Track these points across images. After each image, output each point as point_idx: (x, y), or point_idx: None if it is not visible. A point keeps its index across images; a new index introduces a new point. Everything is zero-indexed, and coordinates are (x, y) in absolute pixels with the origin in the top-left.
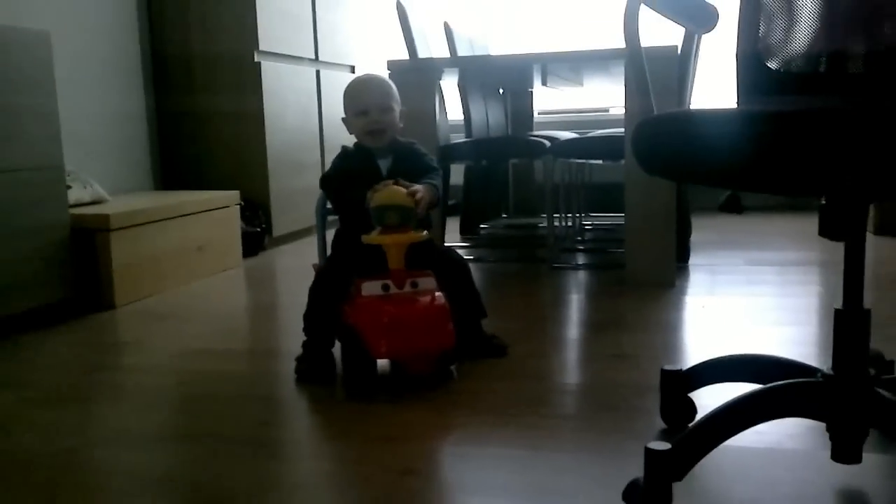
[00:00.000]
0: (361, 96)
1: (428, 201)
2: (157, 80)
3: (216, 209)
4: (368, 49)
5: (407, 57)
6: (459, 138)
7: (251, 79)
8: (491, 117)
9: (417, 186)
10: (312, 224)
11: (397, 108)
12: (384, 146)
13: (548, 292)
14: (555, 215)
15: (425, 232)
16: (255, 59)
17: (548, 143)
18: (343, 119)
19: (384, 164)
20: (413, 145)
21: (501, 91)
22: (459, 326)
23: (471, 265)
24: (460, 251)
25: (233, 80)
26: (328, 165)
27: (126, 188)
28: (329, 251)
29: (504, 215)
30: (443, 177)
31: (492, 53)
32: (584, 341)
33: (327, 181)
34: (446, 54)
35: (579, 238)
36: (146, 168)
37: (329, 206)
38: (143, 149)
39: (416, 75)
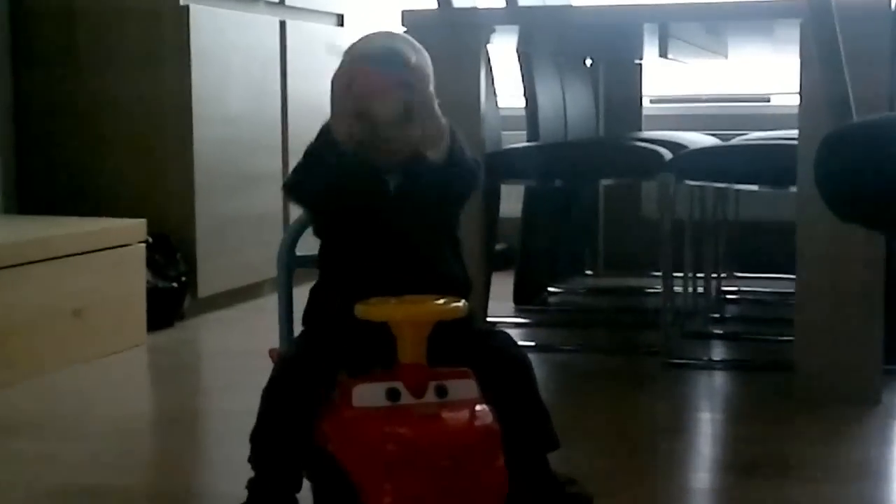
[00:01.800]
0: (362, 89)
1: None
2: (17, 50)
3: (106, 249)
4: None
5: (434, 5)
6: (516, 140)
7: (172, 36)
8: (571, 107)
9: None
10: (269, 278)
11: (435, 102)
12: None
13: (660, 407)
14: (675, 275)
15: (462, 302)
16: (182, 1)
17: (667, 154)
18: (331, 116)
19: (395, 182)
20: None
21: (590, 63)
22: (515, 463)
23: (532, 357)
24: (514, 333)
25: (141, 41)
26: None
27: None
28: (298, 327)
29: (588, 272)
30: (491, 211)
31: (575, 2)
32: (725, 494)
33: (301, 183)
34: (499, 2)
35: (716, 315)
36: None
37: (301, 251)
38: None
39: (450, 37)
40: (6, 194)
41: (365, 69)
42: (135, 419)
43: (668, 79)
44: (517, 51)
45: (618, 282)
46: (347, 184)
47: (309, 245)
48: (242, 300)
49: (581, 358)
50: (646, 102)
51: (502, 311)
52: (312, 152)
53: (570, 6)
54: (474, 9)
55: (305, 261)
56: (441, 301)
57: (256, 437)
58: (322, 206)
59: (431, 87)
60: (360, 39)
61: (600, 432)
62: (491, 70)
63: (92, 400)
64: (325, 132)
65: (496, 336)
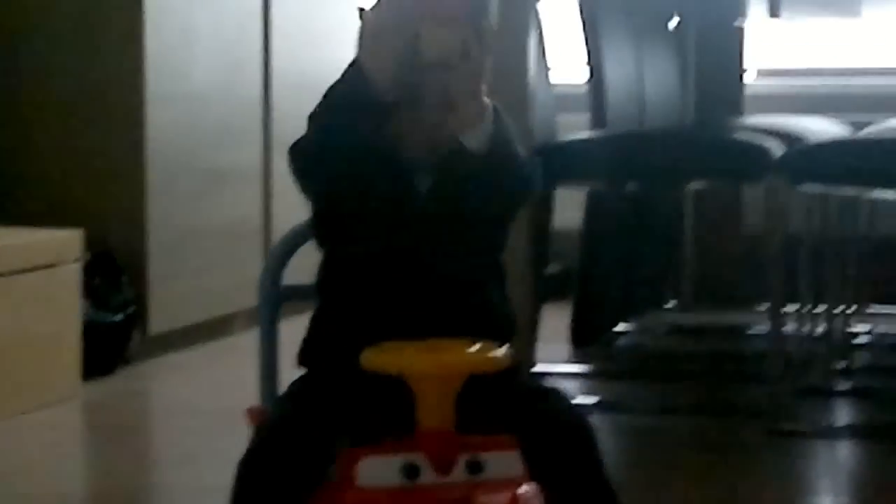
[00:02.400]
0: (420, 11)
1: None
2: None
3: (29, 270)
4: None
5: None
6: (576, 128)
7: None
8: (650, 84)
9: None
10: (242, 309)
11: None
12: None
13: (766, 488)
14: (787, 310)
15: (504, 350)
16: None
17: (777, 149)
18: (366, 52)
19: (426, 182)
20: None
21: (676, 26)
22: None
23: (595, 419)
24: (570, 386)
25: None
26: (277, 174)
27: None
28: (285, 377)
29: (671, 305)
30: (542, 222)
31: None
32: None
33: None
34: None
35: (841, 365)
36: None
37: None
38: None
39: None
40: None
41: None
42: (65, 498)
43: (780, 46)
44: (581, 13)
45: (710, 318)
46: (367, 181)
47: (301, 269)
48: (207, 339)
49: (660, 421)
50: (750, 77)
51: (556, 355)
52: (338, 104)
53: None
54: None
55: (296, 292)
56: (475, 348)
57: None
58: (339, 197)
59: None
60: None
61: None
62: (542, 34)
63: (8, 470)
64: (352, 78)
65: (547, 395)
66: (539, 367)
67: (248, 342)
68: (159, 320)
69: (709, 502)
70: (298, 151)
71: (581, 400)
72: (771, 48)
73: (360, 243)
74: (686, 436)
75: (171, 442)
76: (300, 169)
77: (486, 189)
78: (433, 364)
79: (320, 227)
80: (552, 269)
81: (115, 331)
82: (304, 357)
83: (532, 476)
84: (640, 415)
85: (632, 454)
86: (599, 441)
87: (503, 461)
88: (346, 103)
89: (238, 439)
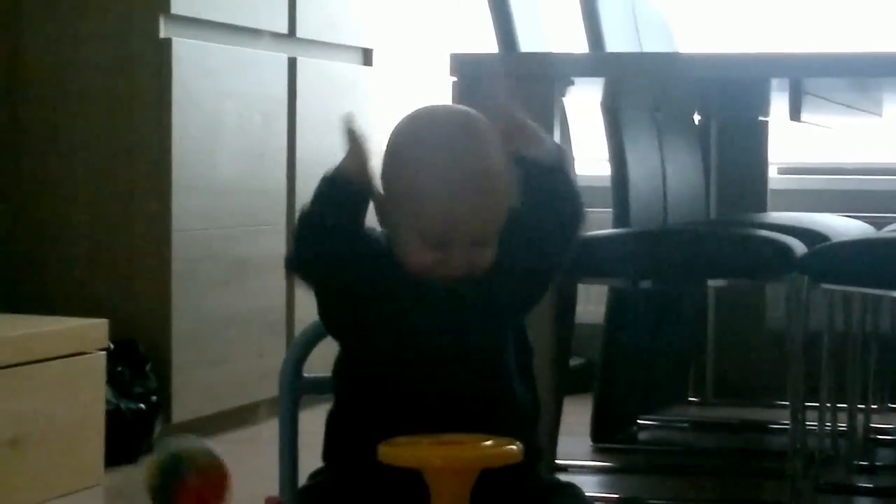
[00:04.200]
0: (439, 202)
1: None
2: None
3: (54, 359)
4: (400, 19)
5: (495, 46)
6: (600, 223)
7: (146, 79)
8: (673, 179)
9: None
10: (266, 398)
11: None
12: None
13: None
14: (809, 405)
15: (516, 446)
16: (161, 34)
17: (799, 247)
18: (378, 194)
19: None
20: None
21: (699, 121)
22: None
23: None
24: (591, 481)
25: (105, 87)
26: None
27: None
28: (305, 468)
29: (693, 399)
30: (565, 316)
31: (680, 48)
32: None
33: (307, 242)
34: (578, 45)
35: (863, 462)
36: None
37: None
38: None
39: (517, 86)
40: None
41: (442, 166)
42: None
43: (803, 142)
44: (603, 106)
45: (731, 413)
46: (367, 263)
47: (325, 360)
48: (230, 428)
49: None
50: (772, 173)
51: (576, 450)
52: (323, 198)
53: (676, 54)
54: (547, 55)
55: (317, 384)
56: (489, 443)
57: None
58: (333, 286)
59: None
60: (413, 122)
61: None
62: (568, 129)
63: None
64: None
65: (562, 491)
66: (560, 461)
67: (270, 432)
68: (182, 409)
69: None
70: (288, 259)
71: (601, 494)
72: (793, 143)
73: (366, 334)
74: None
75: None
76: (289, 262)
77: (512, 262)
78: (448, 458)
79: (325, 320)
80: (574, 362)
81: (139, 419)
82: (327, 455)
83: None
84: None
85: None
86: None
87: None
88: (327, 191)
89: None
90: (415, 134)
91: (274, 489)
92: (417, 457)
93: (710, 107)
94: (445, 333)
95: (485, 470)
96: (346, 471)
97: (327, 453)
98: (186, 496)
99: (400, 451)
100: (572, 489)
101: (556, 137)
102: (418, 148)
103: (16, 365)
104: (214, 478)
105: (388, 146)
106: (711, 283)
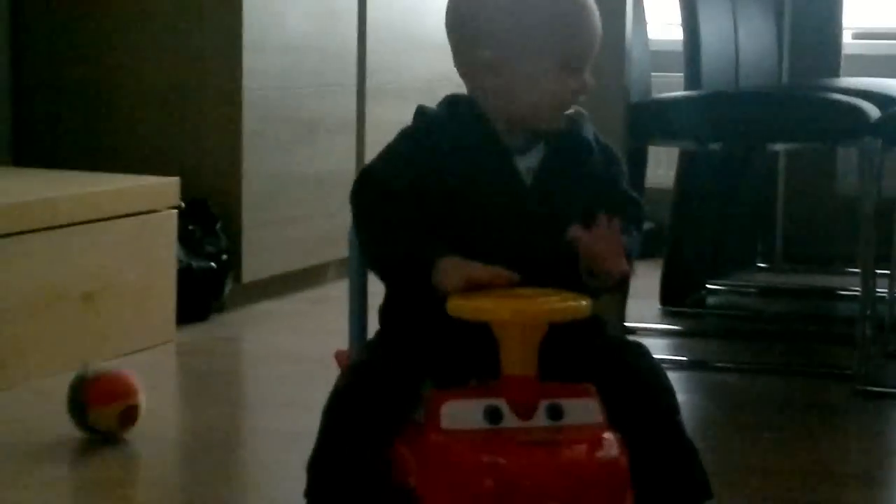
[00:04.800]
0: (576, 30)
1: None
2: None
3: (126, 216)
4: None
5: None
6: (671, 86)
7: None
8: (745, 43)
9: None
10: (335, 259)
11: None
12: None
13: (853, 449)
14: (879, 272)
15: (585, 300)
16: None
17: (873, 111)
18: (489, 58)
19: (527, 164)
20: (582, 125)
21: None
22: None
23: (683, 376)
24: (659, 344)
25: None
26: (371, 124)
27: None
28: (374, 326)
29: (762, 265)
30: (635, 179)
31: None
32: None
33: (367, 200)
34: None
35: None
36: None
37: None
38: None
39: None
40: (2, 142)
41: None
42: (158, 440)
43: (878, 5)
44: None
45: (800, 280)
46: (458, 165)
47: None
48: (300, 288)
49: (748, 380)
50: (847, 38)
51: (645, 313)
52: (401, 146)
53: None
54: None
55: None
56: (558, 297)
57: (315, 466)
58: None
59: None
60: None
61: (770, 480)
62: None
63: None
64: (418, 127)
65: (628, 349)
66: (628, 324)
67: (338, 292)
68: (252, 268)
69: (794, 462)
70: (357, 192)
71: (669, 357)
72: (869, 7)
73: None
74: (773, 396)
75: (264, 387)
76: (359, 203)
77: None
78: (516, 311)
79: (371, 250)
80: (644, 226)
81: (210, 277)
82: (384, 314)
83: (613, 424)
84: (727, 374)
85: (718, 413)
86: (683, 398)
87: (582, 408)
88: (426, 129)
89: (329, 386)
90: None
91: (343, 345)
92: (486, 309)
93: None
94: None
95: (553, 326)
96: (407, 329)
97: (388, 313)
98: (94, 392)
99: (468, 304)
100: (640, 348)
101: (629, 2)
102: None
103: (89, 222)
104: (117, 376)
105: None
106: (782, 146)
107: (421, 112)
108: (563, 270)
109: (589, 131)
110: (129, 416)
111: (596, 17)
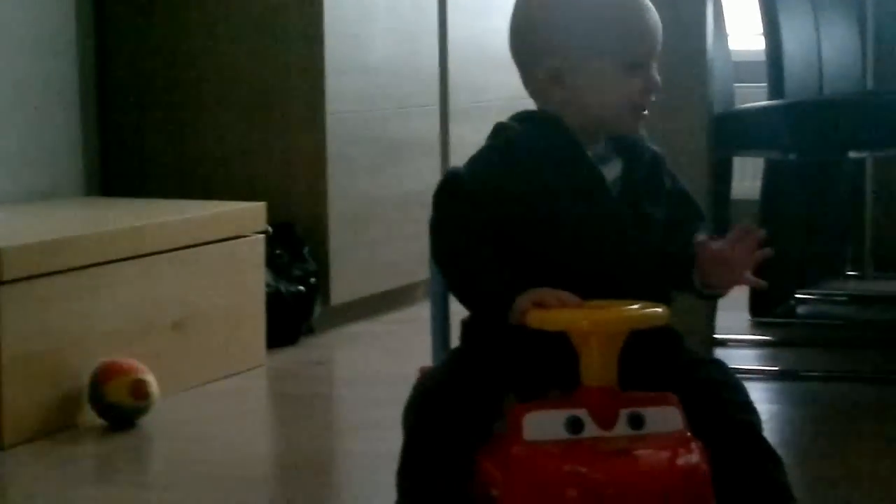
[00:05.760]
0: (638, 25)
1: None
2: None
3: (214, 242)
4: None
5: None
6: (754, 97)
7: None
8: (828, 51)
9: None
10: (424, 279)
11: None
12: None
13: None
14: None
15: (663, 308)
16: None
17: None
18: (552, 65)
19: (610, 175)
20: (646, 140)
21: None
22: None
23: (773, 386)
24: (750, 355)
25: None
26: (455, 144)
27: (35, 193)
28: (455, 341)
29: (852, 273)
30: (721, 190)
31: None
32: None
33: (449, 202)
34: None
35: None
36: (75, 154)
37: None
38: (69, 118)
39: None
40: (88, 171)
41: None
42: (251, 464)
43: None
44: None
45: (891, 286)
46: (545, 175)
47: None
48: (389, 309)
49: (841, 389)
50: None
51: (734, 324)
52: (486, 157)
53: None
54: None
55: None
56: (636, 306)
57: (405, 476)
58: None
59: None
60: None
61: (864, 489)
62: (720, 0)
63: (196, 437)
64: (499, 140)
65: (706, 365)
66: (718, 336)
67: (428, 311)
68: (341, 291)
69: (888, 470)
70: (437, 222)
71: (761, 368)
72: None
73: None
74: (866, 404)
75: (354, 409)
76: (438, 229)
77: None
78: (595, 321)
79: (452, 272)
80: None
81: (298, 301)
82: (466, 329)
83: (696, 434)
84: (819, 383)
85: (807, 421)
86: (774, 408)
87: (663, 416)
88: (507, 142)
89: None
90: None
91: (429, 362)
92: (565, 319)
93: None
94: (611, 209)
95: (632, 339)
96: (495, 333)
97: (470, 328)
98: (104, 371)
99: (548, 315)
100: (718, 364)
101: (709, 10)
102: None
103: (177, 249)
104: (124, 359)
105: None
106: (867, 153)
107: (502, 127)
108: (654, 279)
109: (655, 147)
110: (140, 389)
111: (653, 13)
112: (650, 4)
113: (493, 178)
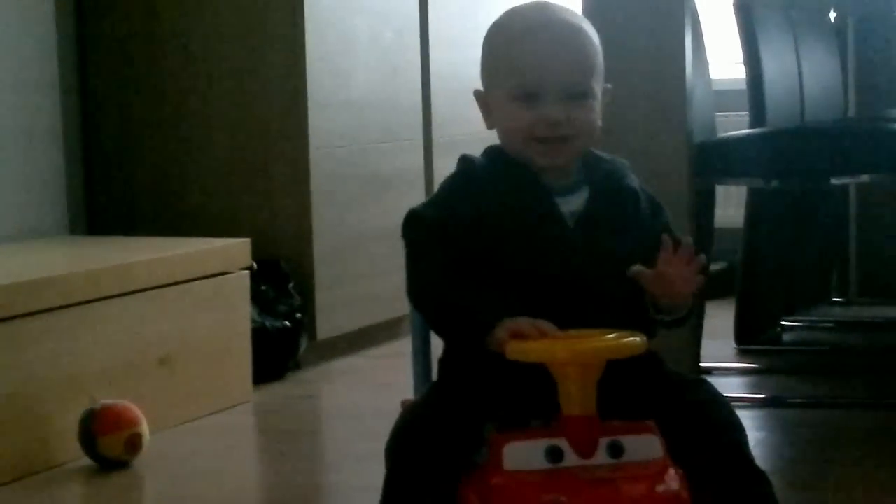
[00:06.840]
0: (524, 56)
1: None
2: (84, 37)
3: (199, 279)
4: None
5: None
6: (736, 125)
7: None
8: (809, 78)
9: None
10: (405, 314)
11: (599, 88)
12: (569, 168)
13: None
14: None
15: (640, 337)
16: None
17: None
18: (477, 93)
19: (569, 207)
20: (625, 174)
21: (835, 18)
22: None
23: (761, 414)
24: (736, 382)
25: (238, 7)
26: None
27: (20, 232)
28: (435, 373)
29: (837, 299)
30: (704, 219)
31: None
32: None
33: (416, 240)
34: None
35: None
36: (59, 193)
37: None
38: (53, 158)
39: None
40: (73, 210)
41: (527, 27)
42: (239, 499)
43: None
44: (736, 3)
45: (876, 312)
46: (496, 208)
47: None
48: (374, 343)
49: (827, 415)
50: None
51: (720, 353)
52: (446, 191)
53: None
54: None
55: None
56: (613, 336)
57: None
58: (435, 277)
59: (600, 71)
60: (517, 6)
61: None
62: (700, 29)
63: (184, 474)
64: (459, 172)
65: (690, 385)
66: (704, 364)
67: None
68: (326, 326)
69: (874, 497)
70: (412, 242)
71: (747, 395)
72: None
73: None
74: (853, 430)
75: (341, 444)
76: (414, 252)
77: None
78: (573, 351)
79: (430, 308)
80: (715, 266)
81: (284, 336)
82: (444, 364)
83: (676, 461)
84: (806, 410)
85: (796, 447)
86: (762, 435)
87: (643, 444)
88: (466, 174)
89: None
90: (516, 10)
91: (411, 394)
92: (543, 351)
93: (845, 2)
94: (562, 240)
95: (612, 365)
96: (474, 365)
97: (447, 363)
98: (101, 422)
99: (526, 346)
100: (703, 383)
101: (688, 40)
102: (517, 15)
103: (162, 286)
104: (122, 408)
105: (490, 31)
106: (850, 179)
107: (464, 158)
108: (620, 311)
109: (634, 181)
110: (134, 443)
111: (555, 44)
112: (564, 35)
113: (450, 205)
